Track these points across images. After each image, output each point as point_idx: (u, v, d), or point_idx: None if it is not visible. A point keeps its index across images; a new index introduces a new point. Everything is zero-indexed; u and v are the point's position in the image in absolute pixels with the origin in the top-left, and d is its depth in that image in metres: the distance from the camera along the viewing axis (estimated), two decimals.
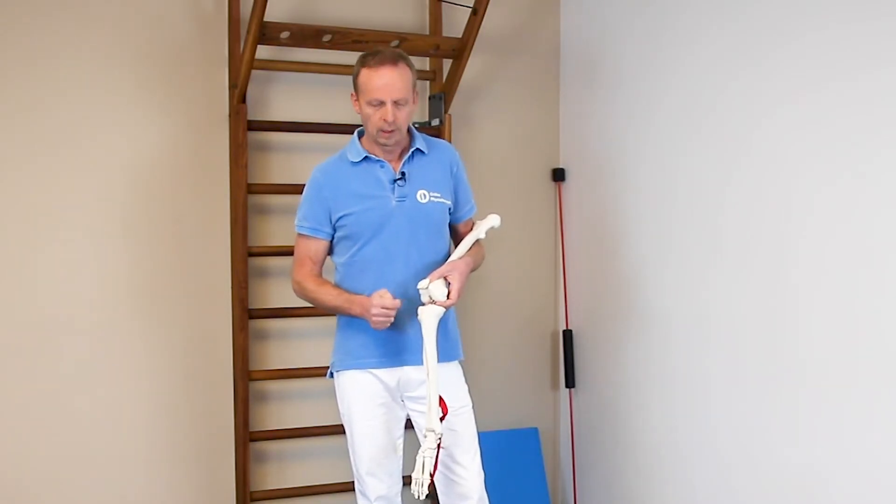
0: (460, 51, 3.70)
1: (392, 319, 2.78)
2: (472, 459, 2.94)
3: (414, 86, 2.87)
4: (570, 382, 4.09)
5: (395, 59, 2.82)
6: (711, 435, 3.38)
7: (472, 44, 3.69)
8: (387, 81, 2.79)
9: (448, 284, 2.82)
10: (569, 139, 4.13)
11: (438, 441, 2.72)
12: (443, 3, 3.82)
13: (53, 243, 3.35)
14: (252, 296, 3.57)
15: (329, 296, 2.89)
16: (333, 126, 3.69)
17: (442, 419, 2.75)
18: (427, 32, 3.86)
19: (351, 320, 2.92)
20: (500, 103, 4.06)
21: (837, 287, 2.89)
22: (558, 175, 4.13)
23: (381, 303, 2.75)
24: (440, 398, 2.75)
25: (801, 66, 2.99)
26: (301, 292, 2.97)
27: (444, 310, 2.81)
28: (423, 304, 2.81)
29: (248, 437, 3.54)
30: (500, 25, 3.98)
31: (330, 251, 2.99)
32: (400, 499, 2.99)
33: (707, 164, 3.37)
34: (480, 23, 3.65)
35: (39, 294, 3.33)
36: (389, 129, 2.82)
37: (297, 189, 3.61)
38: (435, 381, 2.75)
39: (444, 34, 3.83)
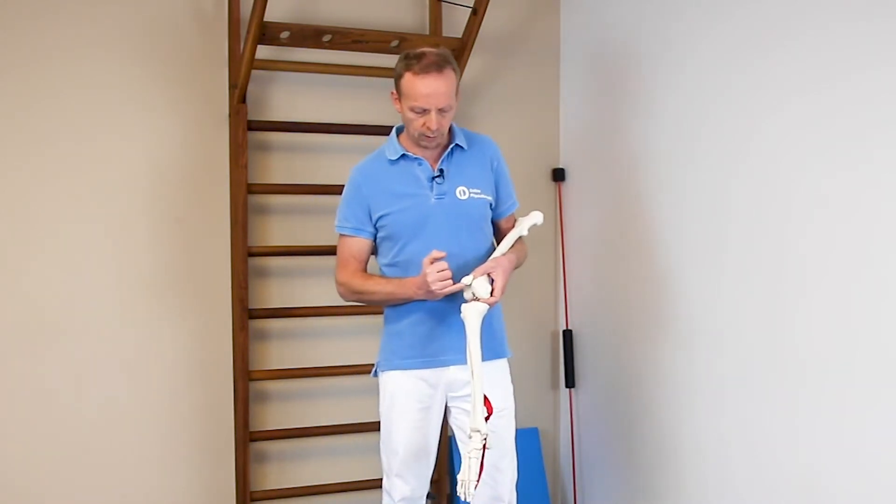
0: (460, 51, 3.70)
1: (451, 277, 2.72)
2: (510, 463, 2.94)
3: (457, 86, 2.82)
4: (570, 382, 4.09)
5: (440, 66, 2.74)
6: (712, 434, 3.38)
7: (472, 44, 3.69)
8: (433, 90, 2.72)
9: (492, 281, 2.78)
10: (569, 139, 4.13)
11: (484, 441, 2.67)
12: (443, 3, 3.82)
13: (53, 243, 3.35)
14: (252, 296, 3.57)
15: (378, 286, 2.86)
16: (334, 126, 3.69)
17: (487, 419, 2.70)
18: (427, 32, 3.86)
19: (396, 319, 2.90)
20: (500, 103, 4.06)
21: (840, 286, 2.89)
22: (558, 175, 4.13)
23: (435, 268, 2.69)
24: (485, 397, 2.69)
25: (802, 65, 2.99)
26: (348, 292, 2.92)
27: (488, 307, 2.77)
28: (467, 302, 2.77)
29: (248, 437, 3.54)
30: (500, 25, 3.99)
31: (374, 251, 2.96)
32: (424, 500, 2.99)
33: (708, 164, 3.37)
34: (480, 23, 3.65)
35: (39, 294, 3.33)
36: (433, 136, 2.80)
37: (297, 189, 3.64)
38: (479, 380, 2.69)
39: (444, 34, 3.83)
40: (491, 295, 2.77)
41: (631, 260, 3.74)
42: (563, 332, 4.11)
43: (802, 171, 3.00)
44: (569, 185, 4.12)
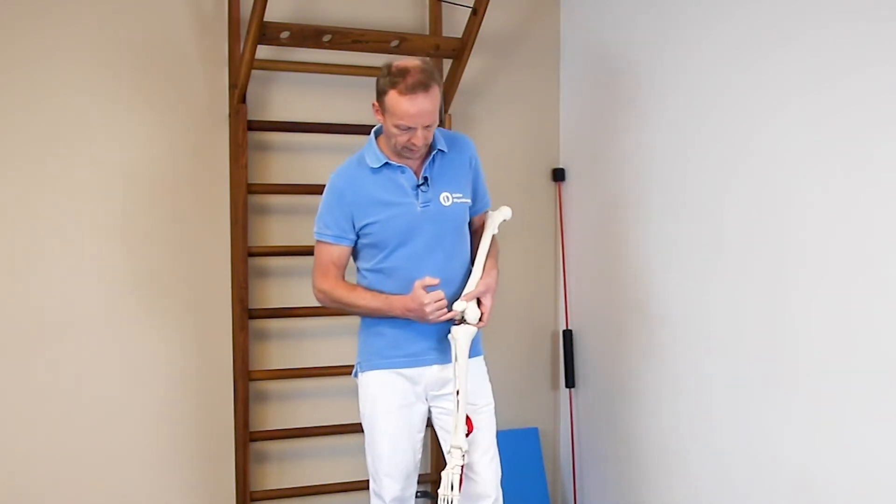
0: (460, 51, 3.70)
1: (446, 306, 2.78)
2: (492, 459, 2.94)
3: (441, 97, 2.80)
4: (570, 382, 4.09)
5: (426, 85, 2.68)
6: (711, 434, 3.38)
7: (472, 44, 3.69)
8: (419, 109, 2.68)
9: (480, 304, 2.85)
10: (569, 139, 4.13)
11: (463, 457, 2.77)
12: (443, 3, 3.82)
13: (53, 244, 3.35)
14: (252, 296, 3.57)
15: (364, 300, 2.86)
16: (334, 126, 3.69)
17: (467, 435, 2.79)
18: (427, 32, 3.86)
19: (376, 321, 2.90)
20: (500, 103, 4.06)
21: (839, 287, 2.89)
22: (558, 175, 4.13)
23: (433, 298, 2.74)
24: (467, 417, 2.78)
25: (802, 65, 2.99)
26: (329, 300, 2.91)
27: (477, 329, 2.83)
28: (456, 324, 2.82)
29: (248, 437, 3.54)
30: (500, 25, 3.98)
31: (353, 255, 2.95)
32: (414, 500, 2.99)
33: (708, 164, 3.37)
34: (480, 23, 3.65)
35: (39, 295, 3.33)
36: (417, 150, 2.79)
37: (297, 189, 3.63)
38: (464, 398, 2.77)
39: (444, 34, 3.83)
40: (480, 319, 2.83)
41: (631, 260, 3.74)
42: (563, 332, 4.11)
43: (802, 171, 3.00)
44: (569, 185, 4.12)
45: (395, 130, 2.74)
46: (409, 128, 2.72)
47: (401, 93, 2.68)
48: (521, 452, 4.03)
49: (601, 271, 3.93)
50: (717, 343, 3.34)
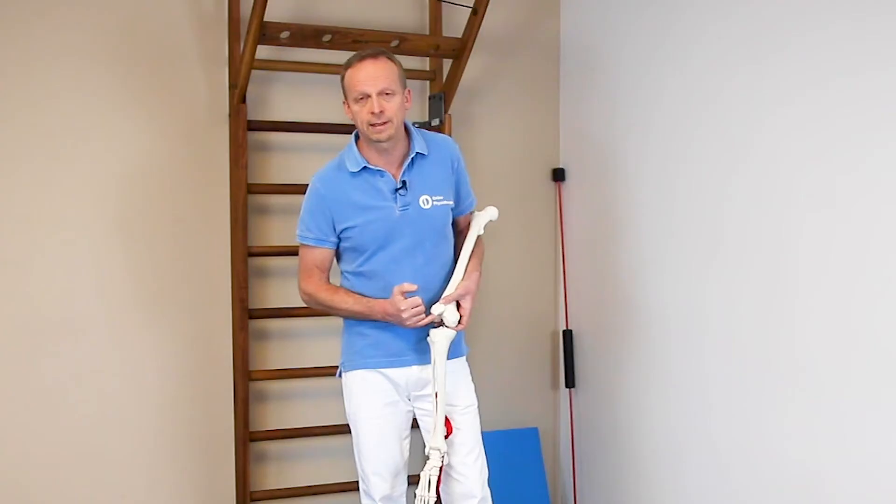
0: (460, 51, 3.70)
1: (424, 312, 2.80)
2: (476, 459, 2.94)
3: (402, 81, 2.83)
4: (570, 382, 4.09)
5: (375, 54, 2.81)
6: (711, 434, 3.38)
7: (472, 44, 3.69)
8: (368, 73, 2.77)
9: (459, 307, 2.85)
10: (569, 139, 4.13)
11: (442, 460, 2.78)
12: (443, 3, 3.82)
13: (53, 244, 3.35)
14: (252, 296, 3.57)
15: (346, 303, 2.88)
16: (333, 126, 3.69)
17: (446, 437, 2.81)
18: (427, 32, 3.87)
19: (358, 321, 2.92)
20: (500, 103, 4.06)
21: (837, 286, 2.89)
22: (558, 175, 4.13)
23: (410, 304, 2.76)
24: (446, 419, 2.80)
25: (801, 65, 2.99)
26: (312, 302, 2.95)
27: (456, 332, 2.84)
28: (435, 327, 2.83)
29: (248, 437, 3.55)
30: (500, 25, 3.99)
31: (336, 258, 2.97)
32: (404, 499, 2.99)
33: (707, 164, 3.37)
34: (480, 23, 3.65)
35: (39, 295, 3.33)
36: (380, 122, 2.78)
37: (297, 189, 3.62)
38: (443, 401, 2.78)
39: (444, 34, 3.83)
40: (459, 322, 2.84)
41: (631, 260, 3.74)
42: (563, 332, 4.11)
43: (801, 171, 3.00)
44: (569, 185, 4.12)
45: (356, 107, 2.80)
46: (365, 96, 2.76)
47: (350, 66, 2.81)
48: (521, 452, 4.03)
49: (601, 271, 3.93)
50: (716, 343, 3.34)
